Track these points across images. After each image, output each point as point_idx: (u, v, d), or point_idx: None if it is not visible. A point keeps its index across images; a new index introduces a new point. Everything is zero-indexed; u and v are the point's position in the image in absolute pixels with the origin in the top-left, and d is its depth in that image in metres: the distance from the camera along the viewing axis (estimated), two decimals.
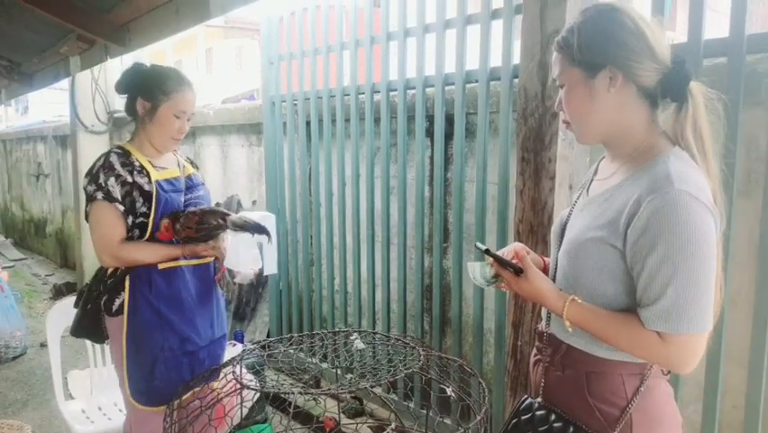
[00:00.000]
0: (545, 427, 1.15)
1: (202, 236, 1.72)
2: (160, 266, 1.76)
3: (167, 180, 1.79)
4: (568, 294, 1.10)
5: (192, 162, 2.01)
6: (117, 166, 1.72)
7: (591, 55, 1.07)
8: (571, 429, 1.11)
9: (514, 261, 1.17)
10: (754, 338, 1.62)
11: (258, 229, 1.73)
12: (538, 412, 1.18)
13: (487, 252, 1.16)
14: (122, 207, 1.71)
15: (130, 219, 1.74)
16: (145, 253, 1.74)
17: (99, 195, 1.69)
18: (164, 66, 1.86)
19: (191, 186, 1.88)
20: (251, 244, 1.81)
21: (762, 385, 1.61)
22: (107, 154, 1.76)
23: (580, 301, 1.08)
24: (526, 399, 1.25)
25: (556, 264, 1.19)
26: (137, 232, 1.74)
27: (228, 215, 1.74)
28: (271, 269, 2.07)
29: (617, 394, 1.08)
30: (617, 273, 1.06)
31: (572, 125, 1.14)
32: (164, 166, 1.83)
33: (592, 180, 1.21)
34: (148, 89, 1.76)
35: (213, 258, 1.87)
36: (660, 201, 0.97)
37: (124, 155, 1.76)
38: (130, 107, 1.82)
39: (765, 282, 1.59)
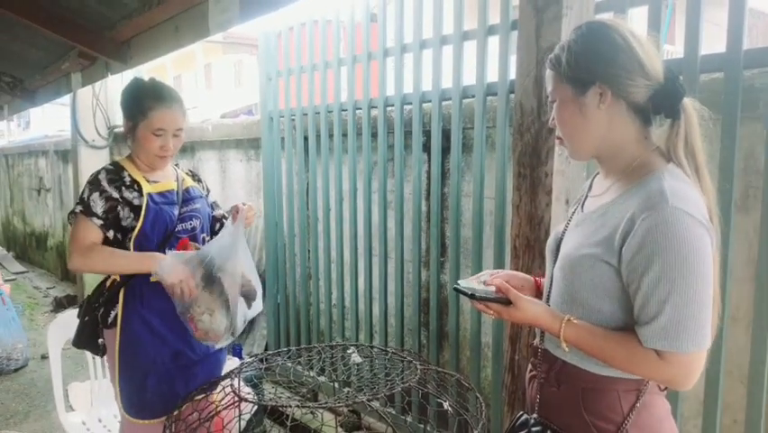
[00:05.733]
0: None
1: None
2: (153, 279, 1.74)
3: (160, 194, 1.81)
4: (563, 315, 1.09)
5: (194, 175, 2.01)
6: (104, 183, 1.74)
7: (580, 72, 1.07)
8: None
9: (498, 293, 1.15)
10: (754, 353, 1.61)
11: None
12: (534, 429, 1.17)
13: (472, 296, 1.14)
14: (98, 222, 1.72)
15: (111, 233, 1.74)
16: (114, 258, 1.71)
17: (79, 208, 1.73)
18: (148, 82, 1.83)
19: (188, 199, 1.88)
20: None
21: (762, 400, 1.60)
22: (98, 172, 1.78)
23: (575, 321, 1.07)
24: (522, 415, 1.24)
25: (551, 280, 1.19)
26: (130, 245, 1.75)
27: None
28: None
29: (614, 410, 1.07)
30: (613, 290, 1.05)
31: (564, 141, 1.15)
32: (158, 180, 1.84)
33: (587, 197, 1.21)
34: (128, 108, 1.79)
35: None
36: (654, 219, 0.97)
37: (115, 171, 1.79)
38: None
39: (764, 298, 1.59)
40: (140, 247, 1.75)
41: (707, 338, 0.98)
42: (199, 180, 2.02)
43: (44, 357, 4.13)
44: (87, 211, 1.72)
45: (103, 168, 1.80)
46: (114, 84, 5.28)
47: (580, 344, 1.07)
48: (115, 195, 1.74)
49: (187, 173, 1.98)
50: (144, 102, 1.75)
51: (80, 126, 5.20)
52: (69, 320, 2.46)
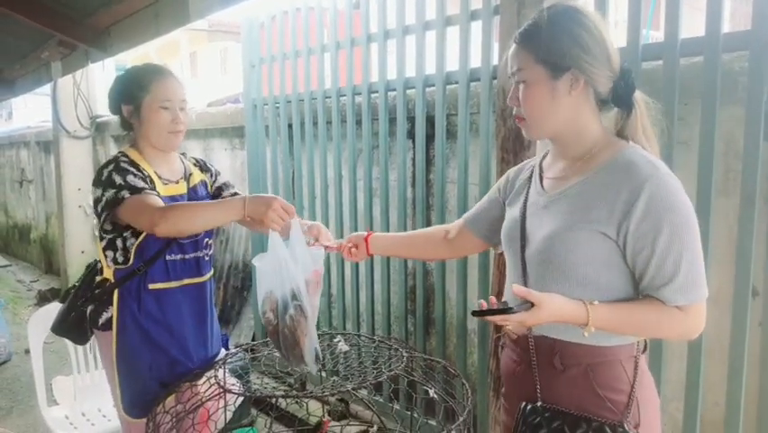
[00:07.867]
0: (558, 423, 1.12)
1: None
2: (151, 286, 1.67)
3: (171, 197, 1.70)
4: (583, 301, 1.06)
5: (200, 165, 1.88)
6: (131, 168, 1.63)
7: (557, 56, 1.08)
8: (584, 425, 1.09)
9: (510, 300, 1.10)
10: (734, 335, 1.63)
11: None
12: (545, 414, 1.15)
13: (502, 311, 1.04)
14: (151, 193, 1.60)
15: (120, 242, 1.65)
16: (196, 208, 1.58)
17: (126, 193, 1.57)
18: (141, 65, 1.74)
19: (194, 199, 1.77)
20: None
21: (742, 382, 1.62)
22: (116, 160, 1.65)
23: (597, 303, 1.07)
24: (526, 405, 1.19)
25: (523, 265, 1.18)
26: (132, 250, 1.68)
27: None
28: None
29: (621, 380, 1.10)
30: (610, 259, 1.08)
31: (527, 121, 1.15)
32: (170, 179, 1.73)
33: (542, 178, 1.23)
34: (126, 92, 1.68)
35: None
36: (654, 186, 1.03)
37: (130, 162, 1.67)
38: (121, 120, 1.74)
39: (744, 280, 1.60)
40: (140, 250, 1.65)
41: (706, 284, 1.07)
42: (207, 169, 1.90)
43: (28, 352, 4.06)
44: (134, 190, 1.58)
45: (114, 158, 1.66)
46: (96, 73, 5.21)
47: (611, 323, 1.07)
48: (145, 178, 1.64)
49: (194, 164, 1.87)
50: (144, 78, 1.67)
51: (61, 116, 5.13)
52: (51, 313, 2.41)
